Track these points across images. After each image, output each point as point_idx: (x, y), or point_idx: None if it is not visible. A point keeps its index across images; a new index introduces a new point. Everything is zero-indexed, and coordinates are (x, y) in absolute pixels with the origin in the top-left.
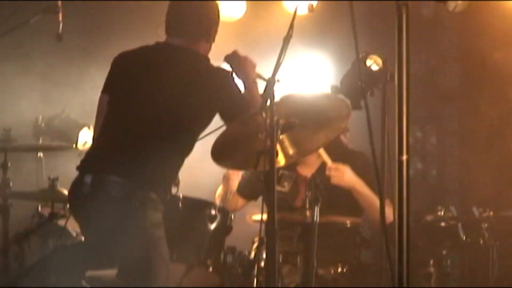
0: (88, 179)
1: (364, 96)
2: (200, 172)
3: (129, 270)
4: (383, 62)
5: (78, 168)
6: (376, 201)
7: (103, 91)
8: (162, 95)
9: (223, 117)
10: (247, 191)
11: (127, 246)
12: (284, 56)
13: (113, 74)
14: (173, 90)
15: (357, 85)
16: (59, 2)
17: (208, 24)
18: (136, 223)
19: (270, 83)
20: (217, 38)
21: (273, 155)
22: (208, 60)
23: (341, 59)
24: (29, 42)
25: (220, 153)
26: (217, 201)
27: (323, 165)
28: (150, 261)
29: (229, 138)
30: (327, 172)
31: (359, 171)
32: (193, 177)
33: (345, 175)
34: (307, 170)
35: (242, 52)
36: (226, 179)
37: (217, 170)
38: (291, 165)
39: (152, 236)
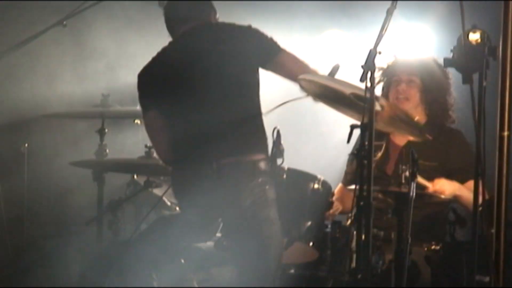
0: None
1: (470, 71)
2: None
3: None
4: (485, 37)
5: None
6: (468, 192)
7: (149, 109)
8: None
9: (260, 60)
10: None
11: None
12: (387, 27)
13: (149, 89)
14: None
15: (468, 59)
16: None
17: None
18: None
19: (372, 54)
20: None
21: (372, 130)
22: (222, 23)
23: (444, 30)
24: None
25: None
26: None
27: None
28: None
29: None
30: (432, 191)
31: (454, 150)
32: (296, 151)
33: (445, 192)
34: (399, 139)
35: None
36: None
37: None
38: (384, 133)
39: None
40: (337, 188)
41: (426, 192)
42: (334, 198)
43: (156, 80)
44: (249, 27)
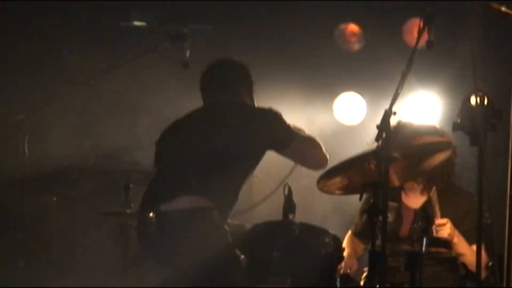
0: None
1: (479, 133)
2: (311, 199)
3: None
4: (489, 100)
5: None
6: (469, 249)
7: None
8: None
9: (274, 147)
10: (365, 233)
11: None
12: (401, 89)
13: (161, 148)
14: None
15: (475, 122)
16: (186, 30)
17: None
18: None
19: (387, 114)
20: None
21: (386, 188)
22: (250, 106)
23: (449, 95)
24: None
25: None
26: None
27: (429, 199)
28: None
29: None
30: (433, 227)
31: (462, 210)
32: (305, 203)
33: (447, 231)
34: (412, 201)
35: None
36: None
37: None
38: (396, 195)
39: None
40: (346, 237)
41: (436, 250)
42: (345, 249)
43: (169, 141)
44: (270, 110)
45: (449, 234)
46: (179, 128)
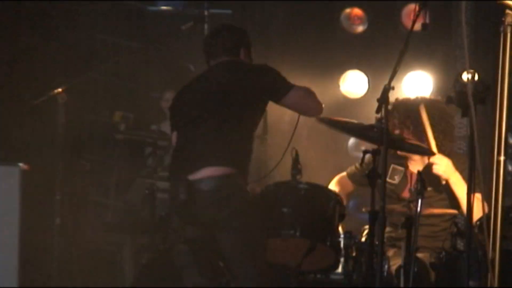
0: None
1: (470, 106)
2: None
3: None
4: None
5: None
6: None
7: (173, 130)
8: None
9: (272, 96)
10: (356, 179)
11: None
12: (399, 67)
13: (174, 112)
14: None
15: (466, 96)
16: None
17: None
18: None
19: (386, 89)
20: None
21: (385, 156)
22: (249, 63)
23: (442, 72)
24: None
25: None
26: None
27: (430, 164)
28: None
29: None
30: (430, 160)
31: (458, 170)
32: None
33: (443, 166)
34: (415, 166)
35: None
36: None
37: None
38: (403, 160)
39: None
40: (338, 176)
41: (431, 211)
42: (335, 185)
43: (181, 106)
44: (265, 65)
45: (445, 172)
46: (188, 90)
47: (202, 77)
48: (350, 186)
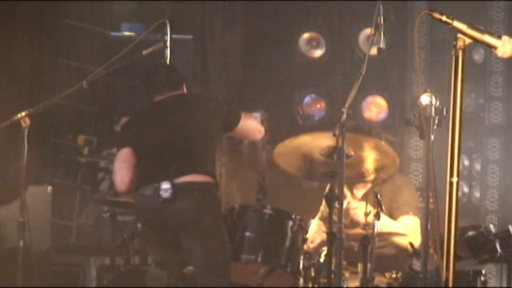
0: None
1: (426, 128)
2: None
3: None
4: (436, 99)
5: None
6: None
7: (125, 146)
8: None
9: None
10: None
11: None
12: (355, 90)
13: (127, 132)
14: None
15: (423, 118)
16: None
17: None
18: None
19: (344, 113)
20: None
21: (342, 179)
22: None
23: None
24: None
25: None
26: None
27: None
28: None
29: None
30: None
31: (396, 186)
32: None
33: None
34: (359, 192)
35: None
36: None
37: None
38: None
39: None
40: (313, 222)
41: (385, 232)
42: (312, 232)
43: (134, 129)
44: (212, 97)
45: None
46: (145, 117)
47: (160, 109)
48: (323, 227)
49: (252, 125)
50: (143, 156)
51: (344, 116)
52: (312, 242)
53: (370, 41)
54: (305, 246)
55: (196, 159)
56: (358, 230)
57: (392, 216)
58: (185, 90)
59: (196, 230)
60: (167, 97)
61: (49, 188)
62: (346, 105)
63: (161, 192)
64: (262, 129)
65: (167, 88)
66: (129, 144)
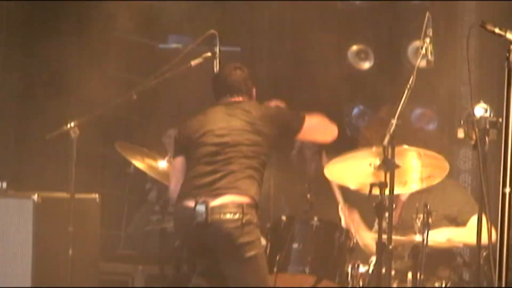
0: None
1: (480, 140)
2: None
3: None
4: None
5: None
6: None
7: (179, 154)
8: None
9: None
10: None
11: None
12: (405, 102)
13: (183, 139)
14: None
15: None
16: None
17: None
18: None
19: (392, 124)
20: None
21: (392, 187)
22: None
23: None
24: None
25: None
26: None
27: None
28: None
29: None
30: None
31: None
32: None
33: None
34: (403, 195)
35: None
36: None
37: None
38: None
39: None
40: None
41: (438, 244)
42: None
43: (190, 134)
44: (277, 107)
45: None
46: (203, 124)
47: (219, 114)
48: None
49: (319, 125)
50: (189, 167)
51: (393, 128)
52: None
53: (419, 53)
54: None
55: (237, 177)
56: (409, 239)
57: (458, 218)
58: (254, 96)
59: (229, 256)
60: (230, 102)
61: (98, 198)
62: (395, 117)
63: (196, 215)
64: (334, 128)
65: (236, 91)
66: (183, 153)
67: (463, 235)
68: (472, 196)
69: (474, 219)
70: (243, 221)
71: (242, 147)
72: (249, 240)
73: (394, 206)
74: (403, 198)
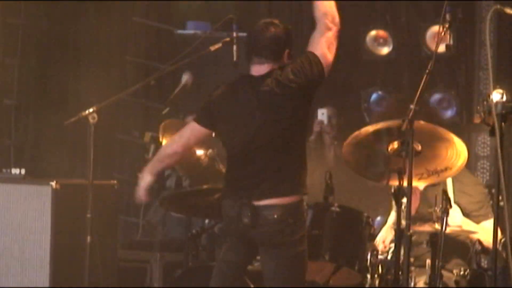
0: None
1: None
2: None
3: None
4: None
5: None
6: None
7: (199, 122)
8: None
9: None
10: None
11: None
12: (425, 86)
13: (213, 110)
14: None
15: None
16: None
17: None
18: None
19: (411, 110)
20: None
21: (411, 174)
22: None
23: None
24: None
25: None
26: None
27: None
28: None
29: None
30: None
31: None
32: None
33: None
34: (420, 184)
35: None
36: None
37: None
38: None
39: None
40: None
41: (454, 230)
42: (384, 232)
43: (219, 105)
44: (303, 58)
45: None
46: (233, 115)
47: (244, 84)
48: None
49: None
50: (228, 156)
51: (412, 113)
52: (383, 242)
53: (438, 38)
54: (378, 246)
55: (281, 175)
56: (427, 227)
57: (471, 216)
58: (284, 60)
59: (274, 255)
60: (265, 73)
61: (116, 184)
62: (414, 102)
63: (241, 216)
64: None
65: (264, 55)
66: (208, 127)
67: (474, 229)
68: (490, 183)
69: (486, 223)
70: (289, 221)
71: (276, 141)
72: (292, 242)
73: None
74: (420, 189)
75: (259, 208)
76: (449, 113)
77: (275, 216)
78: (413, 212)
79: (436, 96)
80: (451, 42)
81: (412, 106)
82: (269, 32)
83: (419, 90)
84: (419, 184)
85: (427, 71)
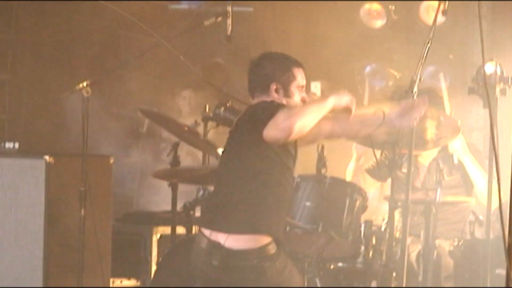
0: None
1: (490, 97)
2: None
3: None
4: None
5: None
6: None
7: None
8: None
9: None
10: (377, 175)
11: None
12: (425, 58)
13: None
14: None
15: (487, 87)
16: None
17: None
18: None
19: (413, 81)
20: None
21: (411, 146)
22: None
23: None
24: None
25: None
26: (348, 176)
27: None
28: None
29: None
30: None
31: None
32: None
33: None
34: (426, 157)
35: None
36: (357, 158)
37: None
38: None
39: None
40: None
41: (449, 201)
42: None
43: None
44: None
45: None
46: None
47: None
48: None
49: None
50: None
51: (416, 85)
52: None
53: (438, 8)
54: None
55: (254, 211)
56: (419, 196)
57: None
58: (275, 95)
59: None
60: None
61: (111, 158)
62: (416, 74)
63: (211, 257)
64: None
65: (254, 91)
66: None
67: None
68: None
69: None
70: (265, 266)
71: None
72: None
73: (414, 166)
74: (426, 163)
75: (231, 252)
76: (442, 85)
77: (245, 261)
78: (418, 183)
79: (429, 68)
80: (446, 7)
81: (414, 77)
82: (258, 69)
83: (420, 61)
84: (427, 157)
85: (427, 41)
